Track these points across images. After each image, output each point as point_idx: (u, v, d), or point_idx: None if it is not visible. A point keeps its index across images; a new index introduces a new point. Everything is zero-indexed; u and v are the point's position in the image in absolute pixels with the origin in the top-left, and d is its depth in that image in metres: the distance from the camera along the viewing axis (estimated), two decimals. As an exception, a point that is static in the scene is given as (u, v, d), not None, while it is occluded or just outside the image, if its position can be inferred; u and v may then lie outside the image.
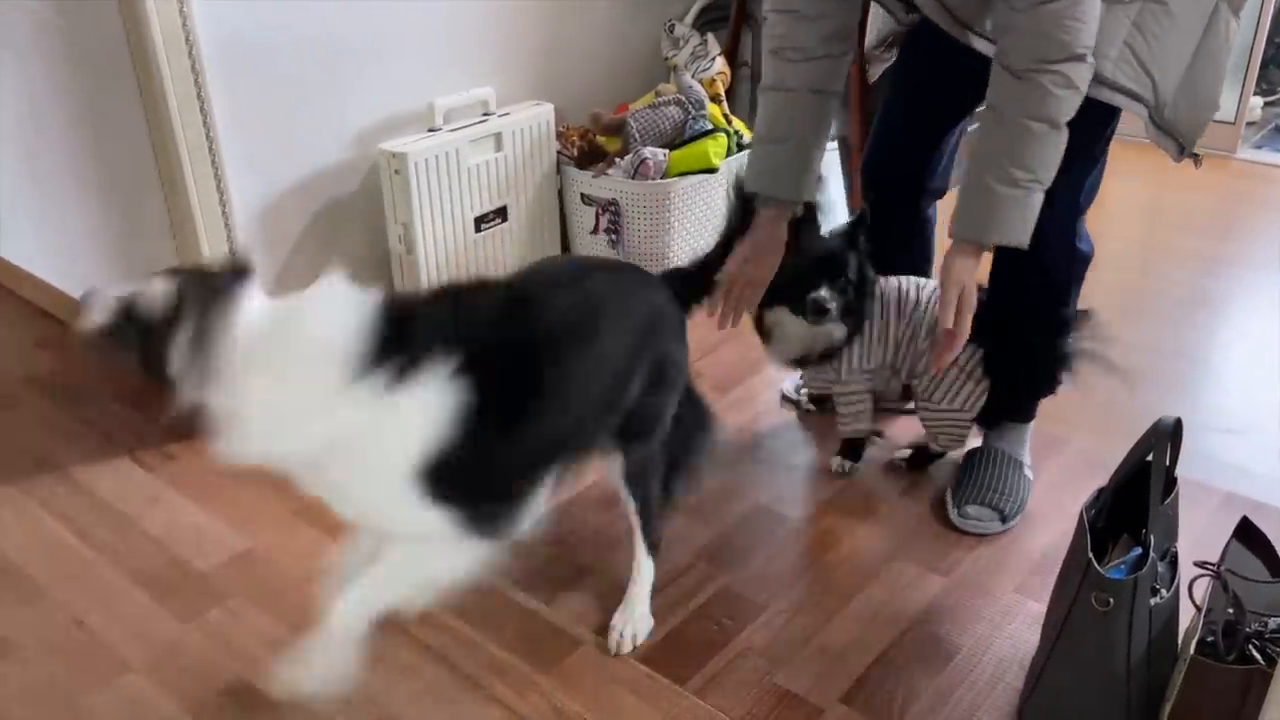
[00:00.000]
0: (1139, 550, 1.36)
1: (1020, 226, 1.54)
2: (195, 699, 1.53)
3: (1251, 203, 3.37)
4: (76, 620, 1.68)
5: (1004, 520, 1.87)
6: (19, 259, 2.78)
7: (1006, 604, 1.69)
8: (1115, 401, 2.07)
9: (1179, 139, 1.66)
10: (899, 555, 1.81)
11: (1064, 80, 1.47)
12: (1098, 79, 1.58)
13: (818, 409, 2.21)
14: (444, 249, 2.39)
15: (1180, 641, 1.41)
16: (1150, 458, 1.36)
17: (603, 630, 1.64)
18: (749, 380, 2.38)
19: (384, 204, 2.32)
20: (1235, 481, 1.95)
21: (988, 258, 1.67)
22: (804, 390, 2.23)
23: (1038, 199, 1.53)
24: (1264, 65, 3.89)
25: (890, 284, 1.94)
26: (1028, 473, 1.95)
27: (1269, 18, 3.51)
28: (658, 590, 1.71)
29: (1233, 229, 3.21)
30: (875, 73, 2.67)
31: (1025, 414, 1.98)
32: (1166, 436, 1.32)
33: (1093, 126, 1.66)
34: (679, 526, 1.88)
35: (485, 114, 2.45)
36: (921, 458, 2.04)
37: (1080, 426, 2.04)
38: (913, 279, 1.95)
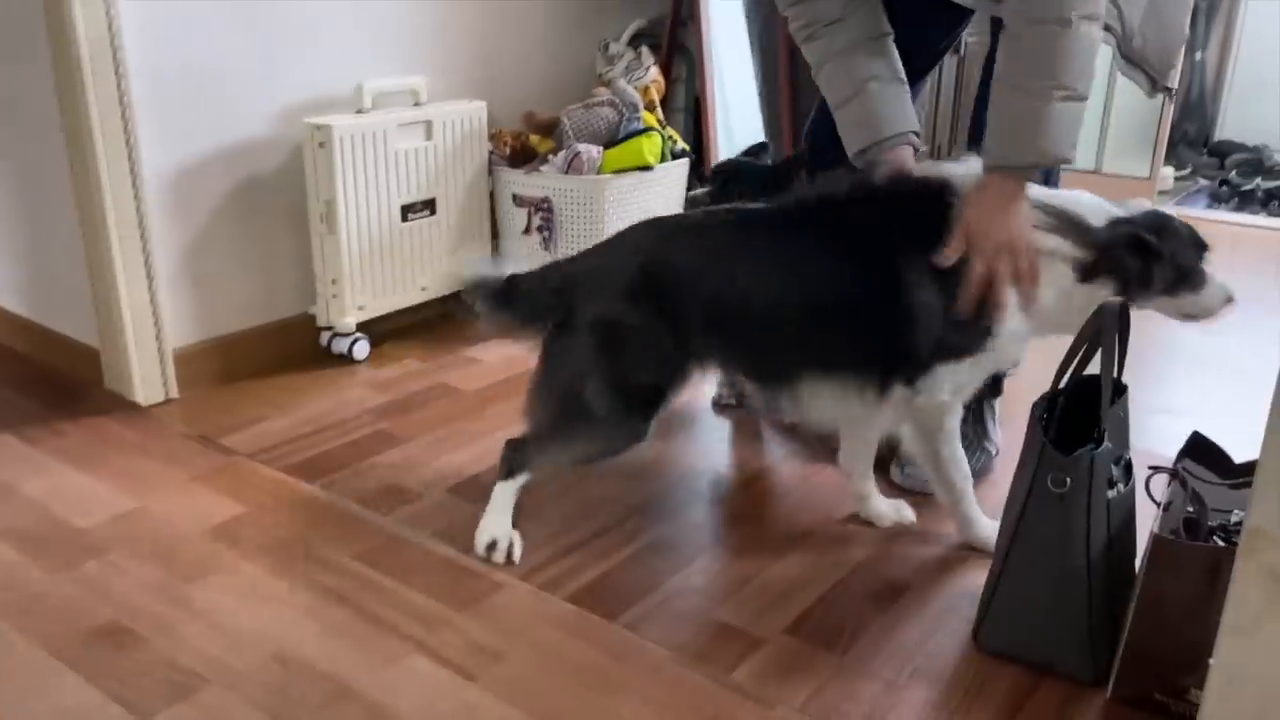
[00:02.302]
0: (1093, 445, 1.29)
1: (1054, 140, 1.39)
2: (59, 640, 1.35)
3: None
4: (-69, 571, 1.50)
5: (948, 483, 1.78)
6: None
7: (955, 550, 1.60)
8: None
9: (1149, 71, 1.63)
10: (841, 509, 1.71)
11: None
12: None
13: (734, 404, 2.12)
14: (367, 234, 2.30)
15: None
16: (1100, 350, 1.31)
17: (528, 575, 1.51)
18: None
19: (306, 181, 2.23)
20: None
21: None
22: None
23: (1069, 109, 1.39)
24: (1173, 144, 4.14)
25: None
26: (989, 446, 1.86)
27: (1173, 109, 3.77)
28: (584, 542, 1.60)
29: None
30: None
31: (990, 389, 1.86)
32: (1115, 318, 1.27)
33: None
34: (612, 488, 1.77)
35: (416, 104, 2.41)
36: None
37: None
38: None
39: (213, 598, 1.45)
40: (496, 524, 1.57)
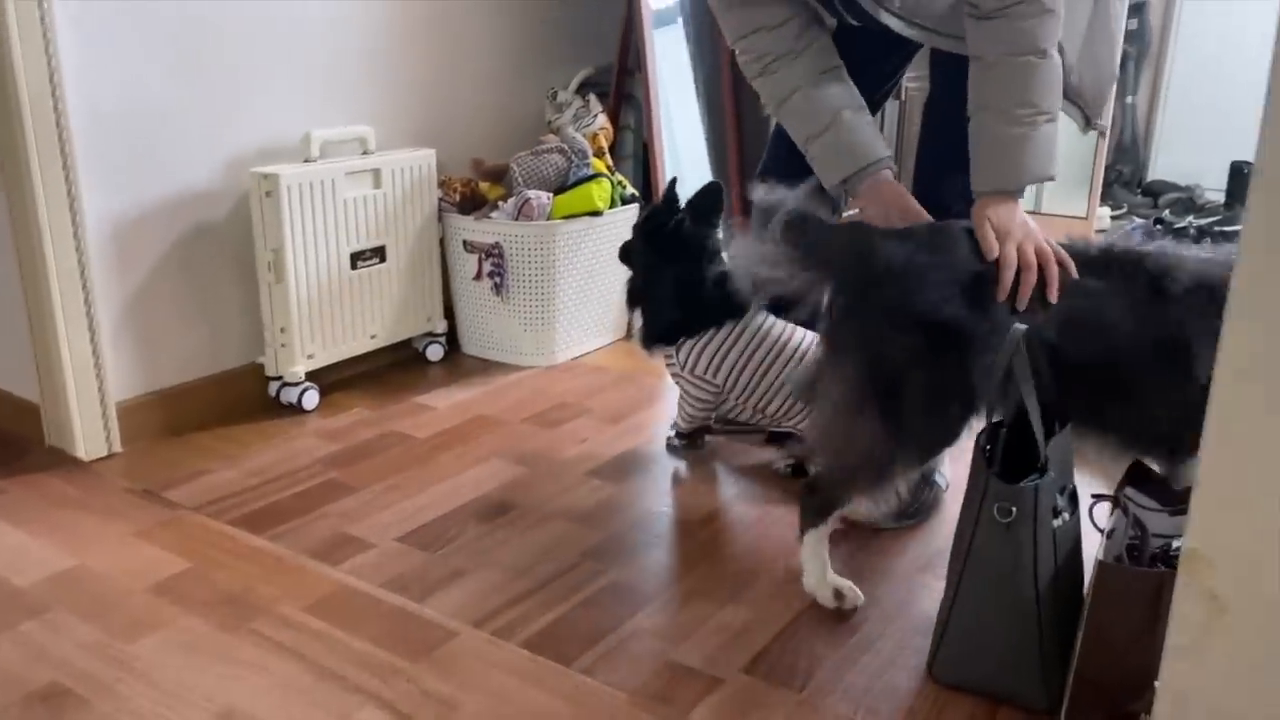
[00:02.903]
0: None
1: (1042, 162, 1.49)
2: (-5, 704, 1.31)
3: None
4: None
5: (898, 517, 1.80)
6: None
7: (909, 585, 1.61)
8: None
9: (1084, 107, 1.69)
10: (793, 550, 1.70)
11: (1034, 7, 1.45)
12: None
13: (687, 445, 2.12)
14: (317, 282, 2.29)
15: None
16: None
17: (481, 622, 1.49)
18: (639, 413, 2.30)
19: (253, 230, 2.22)
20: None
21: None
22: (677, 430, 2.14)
23: (1050, 131, 1.49)
24: (1109, 184, 4.29)
25: (767, 324, 1.95)
26: (938, 479, 1.88)
27: (1108, 151, 3.91)
28: (537, 587, 1.58)
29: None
30: None
31: None
32: (1020, 344, 1.27)
33: None
34: (563, 532, 1.76)
35: (364, 153, 2.41)
36: (802, 470, 1.98)
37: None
38: (795, 328, 1.96)
39: (156, 656, 1.41)
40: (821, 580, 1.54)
